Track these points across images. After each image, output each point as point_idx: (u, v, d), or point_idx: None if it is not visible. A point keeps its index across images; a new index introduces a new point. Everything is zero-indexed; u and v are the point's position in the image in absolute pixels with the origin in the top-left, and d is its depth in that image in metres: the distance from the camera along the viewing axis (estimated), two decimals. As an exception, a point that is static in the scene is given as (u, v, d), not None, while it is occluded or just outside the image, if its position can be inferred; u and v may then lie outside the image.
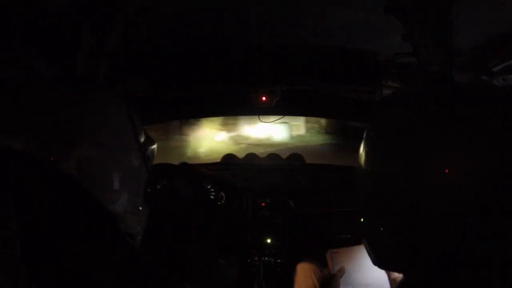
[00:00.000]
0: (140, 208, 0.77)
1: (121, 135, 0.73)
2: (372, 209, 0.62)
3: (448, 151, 0.51)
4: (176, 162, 2.06)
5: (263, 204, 1.78)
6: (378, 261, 0.64)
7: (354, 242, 1.42)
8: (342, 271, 1.18)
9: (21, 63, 0.73)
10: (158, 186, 1.84)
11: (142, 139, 0.79)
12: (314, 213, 1.82)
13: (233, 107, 2.02)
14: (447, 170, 0.50)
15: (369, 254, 0.66)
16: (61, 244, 0.40)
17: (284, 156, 2.76)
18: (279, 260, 1.67)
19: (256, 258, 1.67)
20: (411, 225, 0.54)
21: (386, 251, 0.62)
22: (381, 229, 0.60)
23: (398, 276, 1.07)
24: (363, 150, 0.65)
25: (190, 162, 1.99)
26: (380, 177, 0.58)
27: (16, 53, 0.74)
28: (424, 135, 0.53)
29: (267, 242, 1.71)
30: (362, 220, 0.66)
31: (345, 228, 1.77)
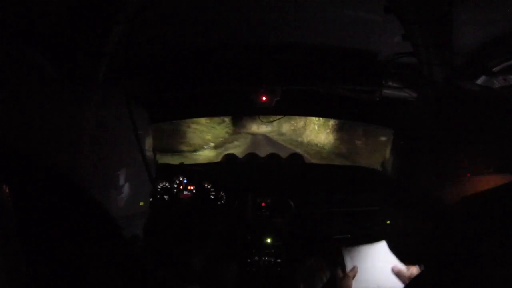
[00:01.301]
0: (142, 204, 0.77)
1: (123, 133, 0.74)
2: (398, 208, 0.65)
3: (468, 155, 0.52)
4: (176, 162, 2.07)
5: (263, 204, 1.78)
6: (402, 256, 0.68)
7: (354, 242, 1.42)
8: (355, 270, 1.18)
9: (21, 63, 0.73)
10: (158, 187, 1.84)
11: (147, 138, 0.79)
12: (314, 213, 1.82)
13: (233, 107, 2.02)
14: (468, 174, 0.51)
15: (392, 250, 0.69)
16: (61, 244, 0.40)
17: (284, 156, 2.77)
18: (279, 260, 1.67)
19: (256, 258, 1.67)
20: (434, 224, 0.56)
21: (406, 247, 0.65)
22: (407, 228, 0.63)
23: (412, 274, 1.09)
24: (390, 155, 0.67)
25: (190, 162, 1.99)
26: (408, 180, 0.61)
27: (16, 53, 0.73)
28: (444, 140, 0.55)
29: (267, 242, 1.70)
30: (385, 219, 0.70)
31: (345, 228, 1.77)
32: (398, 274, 1.16)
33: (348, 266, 1.26)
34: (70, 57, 0.93)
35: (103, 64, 0.99)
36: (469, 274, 0.47)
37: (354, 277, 1.17)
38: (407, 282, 1.11)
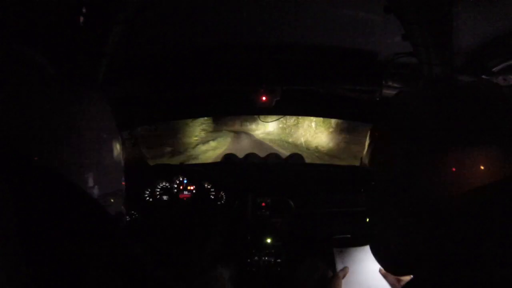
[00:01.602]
0: (112, 200, 0.77)
1: (101, 132, 0.74)
2: (380, 209, 0.62)
3: (453, 151, 0.51)
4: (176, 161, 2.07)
5: (263, 204, 1.78)
6: (385, 263, 0.64)
7: (354, 242, 1.42)
8: (345, 271, 1.18)
9: (21, 63, 0.73)
10: (158, 187, 1.84)
11: (118, 138, 0.80)
12: (314, 213, 1.82)
13: (233, 107, 2.02)
14: (454, 169, 0.50)
15: (375, 256, 0.65)
16: (61, 244, 0.40)
17: (284, 156, 2.77)
18: (279, 260, 1.67)
19: (256, 258, 1.67)
20: (418, 225, 0.54)
21: (389, 253, 0.62)
22: (388, 230, 0.60)
23: (403, 279, 1.07)
24: (368, 150, 0.65)
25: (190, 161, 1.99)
26: (386, 176, 0.59)
27: (16, 53, 0.73)
28: (428, 135, 0.53)
29: (267, 242, 1.70)
30: (368, 220, 0.66)
31: (345, 228, 1.77)
32: (385, 275, 1.16)
33: (339, 268, 1.25)
34: (70, 57, 0.93)
35: (103, 64, 0.99)
36: (469, 274, 0.47)
37: (344, 277, 1.17)
38: (396, 284, 1.10)
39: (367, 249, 1.30)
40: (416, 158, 0.53)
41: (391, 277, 1.11)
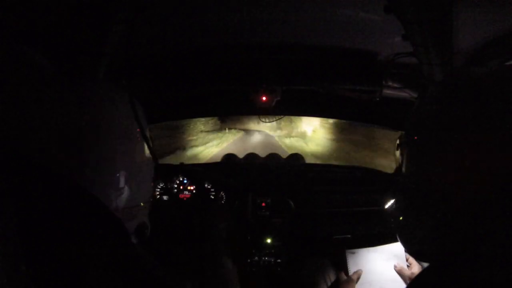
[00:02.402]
0: (142, 204, 0.77)
1: (126, 130, 0.74)
2: (409, 206, 0.66)
3: (477, 152, 0.51)
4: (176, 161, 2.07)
5: (263, 204, 1.78)
6: (413, 251, 0.71)
7: (354, 242, 1.42)
8: (358, 273, 1.19)
9: (21, 63, 0.73)
10: (158, 187, 1.84)
11: (148, 135, 0.80)
12: (314, 213, 1.82)
13: (233, 107, 2.02)
14: (469, 174, 0.51)
15: (405, 246, 0.71)
16: (61, 244, 0.40)
17: (284, 156, 2.77)
18: (279, 260, 1.67)
19: (256, 258, 1.67)
20: (443, 221, 0.56)
21: (418, 242, 0.66)
22: (415, 223, 0.64)
23: (413, 273, 1.09)
24: (400, 154, 0.67)
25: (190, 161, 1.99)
26: (418, 178, 0.62)
27: (16, 53, 0.73)
28: (459, 139, 0.55)
29: (267, 242, 1.70)
30: (398, 216, 0.71)
31: (345, 228, 1.77)
32: (399, 272, 1.17)
33: (351, 269, 1.26)
34: (70, 57, 0.93)
35: (103, 64, 0.99)
36: (469, 274, 0.47)
37: (357, 280, 1.17)
38: (408, 281, 1.11)
39: (378, 250, 1.31)
40: (449, 161, 0.55)
41: (406, 272, 1.12)
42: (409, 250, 0.72)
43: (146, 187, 0.80)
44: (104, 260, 0.43)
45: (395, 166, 0.72)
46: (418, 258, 0.81)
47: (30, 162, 0.46)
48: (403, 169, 0.68)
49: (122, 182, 0.72)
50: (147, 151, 0.79)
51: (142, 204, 0.77)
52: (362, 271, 1.20)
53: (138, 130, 0.75)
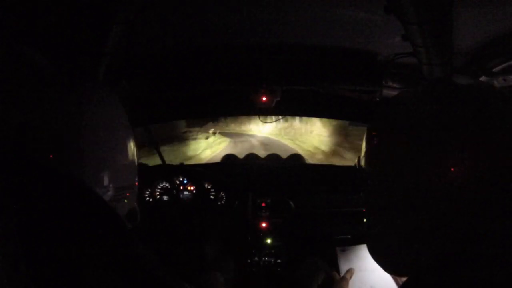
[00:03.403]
0: (126, 201, 0.79)
1: (117, 131, 0.75)
2: (376, 208, 0.62)
3: (451, 151, 0.51)
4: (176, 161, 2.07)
5: (263, 204, 1.78)
6: (382, 263, 0.64)
7: (354, 242, 1.42)
8: (351, 272, 1.18)
9: (21, 63, 0.73)
10: (158, 187, 1.84)
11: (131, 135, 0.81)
12: (314, 213, 1.82)
13: (233, 107, 2.02)
14: (452, 169, 0.50)
15: (372, 255, 0.66)
16: (61, 244, 0.40)
17: (284, 156, 2.77)
18: (279, 260, 1.67)
19: (256, 258, 1.67)
20: (414, 225, 0.54)
21: (388, 253, 0.62)
22: (387, 230, 0.60)
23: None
24: (365, 150, 0.65)
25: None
26: (384, 176, 0.59)
27: (16, 53, 0.74)
28: (425, 136, 0.53)
29: (267, 242, 1.70)
30: (365, 220, 0.66)
31: (345, 228, 1.77)
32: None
33: (342, 267, 1.25)
34: (70, 57, 0.94)
35: (103, 64, 0.99)
36: (469, 274, 0.47)
37: (350, 278, 1.17)
38: (398, 281, 1.10)
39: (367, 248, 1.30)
40: (415, 158, 0.53)
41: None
42: (381, 263, 0.65)
43: (131, 171, 0.81)
44: (104, 260, 0.43)
45: (367, 163, 0.66)
46: (392, 272, 0.73)
47: (30, 162, 0.46)
48: (371, 166, 0.62)
49: (121, 183, 0.74)
50: (128, 149, 0.80)
51: (125, 201, 0.79)
52: (354, 270, 1.19)
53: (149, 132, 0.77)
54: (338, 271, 1.25)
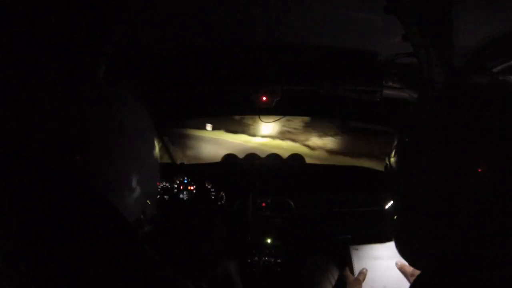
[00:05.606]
0: (149, 202, 0.78)
1: (134, 130, 0.75)
2: (404, 208, 0.65)
3: (470, 155, 0.52)
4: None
5: (263, 204, 1.78)
6: (411, 260, 0.68)
7: (354, 242, 1.42)
8: (364, 273, 1.19)
9: (21, 63, 0.73)
10: (159, 187, 1.84)
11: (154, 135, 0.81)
12: (314, 213, 1.82)
13: (233, 107, 2.02)
14: (468, 174, 0.51)
15: (401, 253, 0.69)
16: (61, 244, 0.40)
17: (284, 156, 2.76)
18: (279, 260, 1.67)
19: (256, 258, 1.67)
20: (439, 224, 0.56)
21: (416, 250, 0.65)
22: (414, 228, 0.63)
23: (415, 270, 1.09)
24: (395, 156, 0.67)
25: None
26: (415, 180, 0.61)
27: (16, 53, 0.74)
28: (452, 139, 0.55)
29: (267, 242, 1.70)
30: (394, 220, 0.69)
31: (345, 228, 1.77)
32: (401, 269, 1.17)
33: (356, 267, 1.25)
34: (70, 57, 0.93)
35: (103, 64, 0.99)
36: (469, 274, 0.47)
37: (363, 279, 1.17)
38: (410, 278, 1.11)
39: (381, 246, 1.30)
40: (444, 161, 0.55)
41: (408, 269, 1.12)
42: (407, 257, 0.70)
43: (152, 185, 0.81)
44: (104, 259, 0.43)
45: (389, 167, 0.70)
46: (416, 266, 0.78)
47: (30, 162, 0.46)
48: (399, 171, 0.66)
49: (130, 181, 0.73)
50: (153, 149, 0.79)
51: (148, 202, 0.78)
52: (367, 270, 1.19)
53: (163, 131, 0.77)
54: (352, 270, 1.25)
